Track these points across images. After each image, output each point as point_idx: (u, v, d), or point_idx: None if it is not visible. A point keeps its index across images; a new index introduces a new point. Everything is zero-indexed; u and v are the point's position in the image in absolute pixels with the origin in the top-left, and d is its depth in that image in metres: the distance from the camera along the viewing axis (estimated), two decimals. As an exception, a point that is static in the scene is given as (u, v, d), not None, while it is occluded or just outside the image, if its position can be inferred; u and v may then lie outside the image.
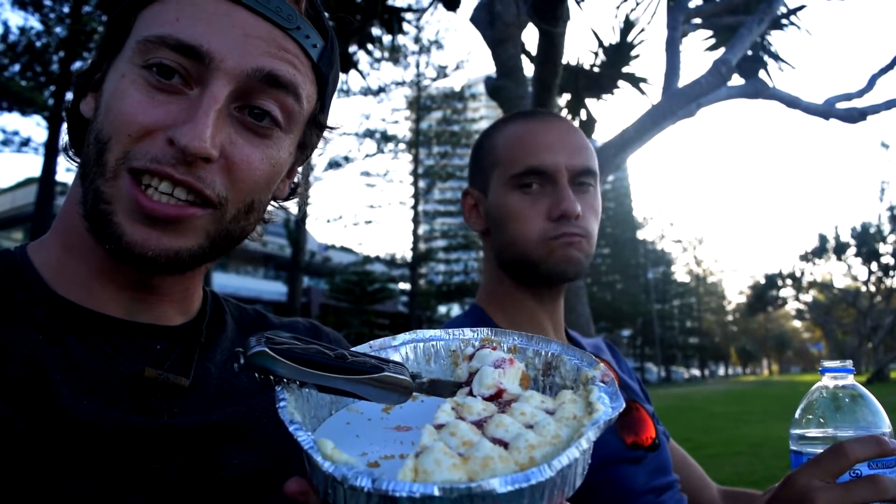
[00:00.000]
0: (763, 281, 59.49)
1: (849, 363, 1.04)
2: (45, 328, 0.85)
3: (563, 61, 5.35)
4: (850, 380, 1.03)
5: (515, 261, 1.47)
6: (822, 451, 0.98)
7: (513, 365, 0.74)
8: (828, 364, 1.04)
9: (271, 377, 0.65)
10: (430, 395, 0.75)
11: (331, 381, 0.67)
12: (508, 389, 0.71)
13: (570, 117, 5.66)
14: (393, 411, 0.77)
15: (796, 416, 1.05)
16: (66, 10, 17.51)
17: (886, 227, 50.06)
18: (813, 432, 1.02)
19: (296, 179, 1.07)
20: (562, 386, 0.77)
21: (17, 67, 17.78)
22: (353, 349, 0.76)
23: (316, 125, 1.01)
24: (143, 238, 0.84)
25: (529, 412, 0.66)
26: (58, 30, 17.64)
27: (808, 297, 61.83)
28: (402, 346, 0.84)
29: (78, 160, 0.93)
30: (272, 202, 1.01)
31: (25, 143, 19.18)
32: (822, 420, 1.02)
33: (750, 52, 5.34)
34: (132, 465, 0.81)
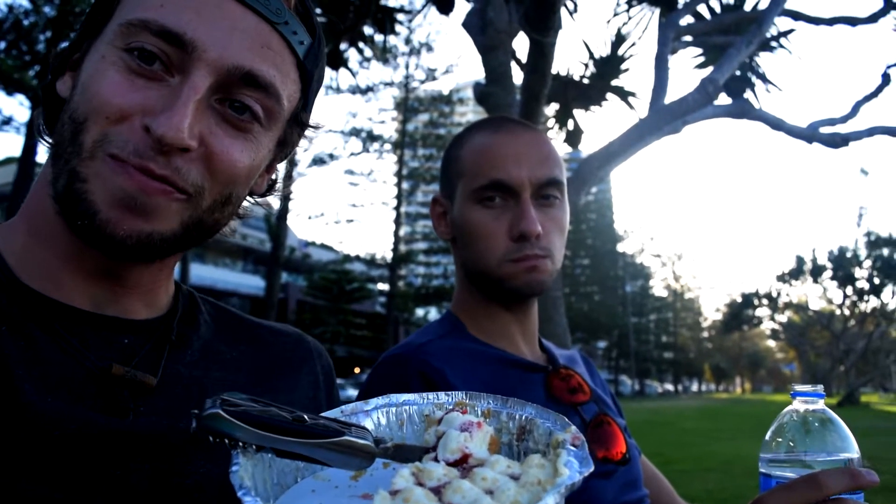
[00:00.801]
0: (740, 299, 59.92)
1: (820, 388, 1.04)
2: (9, 318, 0.81)
3: (554, 71, 5.37)
4: (820, 404, 1.03)
5: (480, 274, 1.45)
6: (790, 474, 0.98)
7: (481, 428, 0.71)
8: (799, 388, 1.04)
9: (226, 440, 0.63)
10: (395, 460, 0.72)
11: (288, 446, 0.64)
12: (475, 454, 0.69)
13: (557, 127, 5.68)
14: (362, 479, 0.74)
15: (766, 438, 1.05)
16: (55, -11, 17.36)
17: (863, 252, 50.61)
18: (782, 456, 1.02)
19: (273, 176, 1.05)
20: (534, 451, 0.75)
21: (2, 45, 17.58)
22: (321, 414, 0.73)
23: (297, 123, 0.99)
24: (117, 218, 0.82)
25: (491, 477, 0.64)
26: (46, 9, 17.47)
27: (783, 317, 62.37)
28: (374, 412, 0.81)
29: (51, 140, 0.90)
30: (249, 197, 1.00)
31: (7, 121, 18.90)
32: (791, 444, 1.02)
33: (738, 73, 5.38)
34: (95, 471, 0.78)
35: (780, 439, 1.04)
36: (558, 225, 1.45)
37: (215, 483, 0.86)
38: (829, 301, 55.58)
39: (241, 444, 0.63)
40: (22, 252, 0.89)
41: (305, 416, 0.66)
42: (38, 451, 0.76)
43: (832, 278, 52.44)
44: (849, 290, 51.68)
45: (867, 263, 50.09)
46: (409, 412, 0.81)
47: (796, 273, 54.47)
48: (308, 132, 1.04)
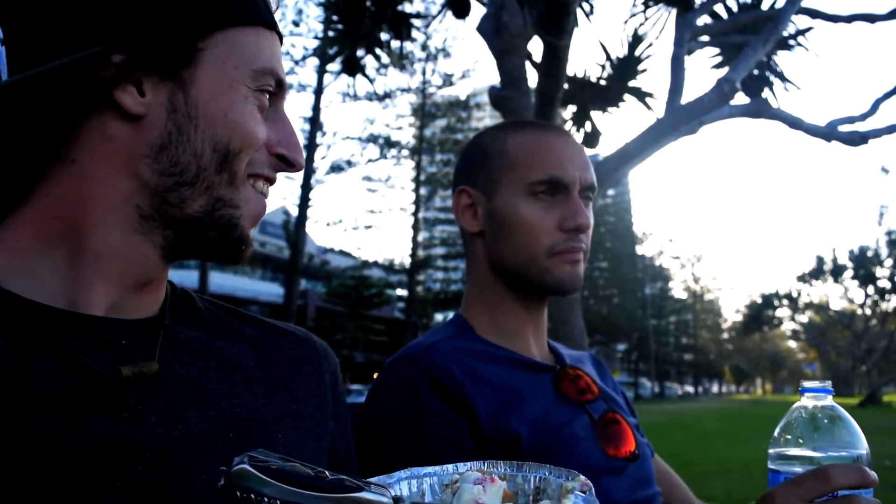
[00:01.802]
0: (760, 300, 59.46)
1: (828, 384, 1.04)
2: (5, 335, 0.82)
3: (570, 73, 5.36)
4: (828, 400, 1.03)
5: (515, 269, 1.45)
6: (799, 469, 0.99)
7: (494, 483, 0.74)
8: (807, 384, 1.05)
9: (253, 496, 0.65)
10: None
11: (312, 501, 0.66)
12: None
13: (574, 129, 5.68)
14: None
15: (775, 434, 1.05)
16: None
17: (884, 251, 50.16)
18: (791, 451, 1.03)
19: None
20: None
21: None
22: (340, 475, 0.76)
23: None
24: (249, 235, 0.98)
25: None
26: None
27: (803, 317, 61.86)
28: (396, 484, 0.84)
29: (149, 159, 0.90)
30: None
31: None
32: (800, 440, 1.03)
33: (756, 72, 5.36)
34: (95, 483, 0.79)
35: (788, 436, 1.04)
36: (591, 226, 1.49)
37: (217, 492, 0.87)
38: (850, 301, 55.19)
39: (266, 499, 0.65)
40: (45, 274, 0.88)
41: (326, 473, 0.68)
42: (35, 470, 0.76)
43: (853, 278, 52.00)
44: (870, 289, 51.23)
45: (888, 262, 49.65)
46: (431, 482, 0.84)
47: (817, 273, 54.05)
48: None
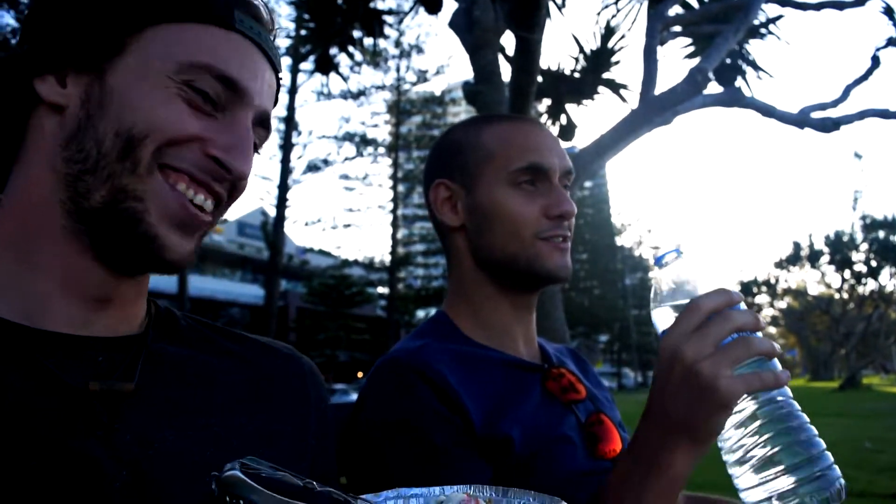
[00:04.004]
0: (738, 288, 59.67)
1: (676, 245, 1.11)
2: None
3: (544, 66, 5.37)
4: (674, 255, 1.11)
5: (503, 260, 1.43)
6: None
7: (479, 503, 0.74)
8: (658, 254, 1.12)
9: (240, 502, 0.65)
10: None
11: None
12: None
13: (550, 122, 5.69)
14: None
15: (651, 303, 1.13)
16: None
17: (859, 236, 50.75)
18: (664, 308, 1.10)
19: None
20: None
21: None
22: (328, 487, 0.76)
23: None
24: (174, 242, 0.88)
25: None
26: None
27: (782, 303, 62.50)
28: (384, 503, 0.84)
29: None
30: None
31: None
32: (670, 294, 1.10)
33: (728, 61, 5.39)
34: (72, 500, 0.78)
35: (658, 298, 1.12)
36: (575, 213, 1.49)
37: (203, 500, 0.86)
38: (828, 286, 55.78)
39: None
40: (3, 283, 0.87)
41: (315, 484, 0.68)
42: (14, 486, 0.75)
43: (829, 263, 52.62)
44: (846, 273, 51.86)
45: (864, 247, 50.26)
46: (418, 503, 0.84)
47: (794, 259, 54.63)
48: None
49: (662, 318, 1.10)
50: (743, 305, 1.05)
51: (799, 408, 1.01)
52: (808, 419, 1.00)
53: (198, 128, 0.89)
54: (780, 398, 1.01)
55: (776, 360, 1.02)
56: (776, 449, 0.97)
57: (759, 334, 1.03)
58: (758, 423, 1.00)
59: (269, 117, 0.99)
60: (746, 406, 1.01)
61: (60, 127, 0.89)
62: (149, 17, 0.90)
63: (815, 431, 0.99)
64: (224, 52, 0.92)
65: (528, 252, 1.41)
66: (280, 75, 1.03)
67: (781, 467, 0.96)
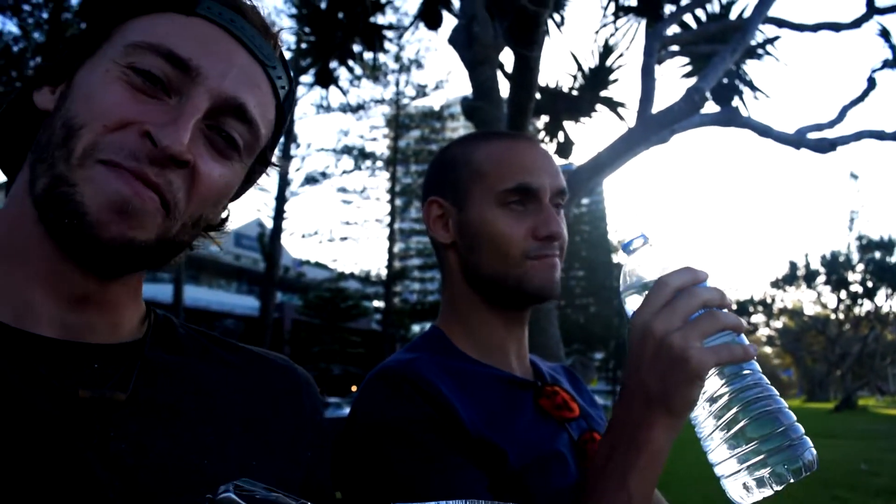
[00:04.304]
0: (734, 307, 59.65)
1: (641, 232, 1.17)
2: None
3: (542, 83, 5.39)
4: (641, 241, 1.16)
5: (491, 278, 1.43)
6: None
7: None
8: (626, 240, 1.17)
9: None
10: None
11: None
12: None
13: (547, 139, 5.71)
14: None
15: (621, 290, 1.18)
16: (44, 15, 17.34)
17: (855, 256, 50.76)
18: (636, 290, 1.14)
19: (226, 214, 1.06)
20: None
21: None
22: None
23: (262, 161, 1.05)
24: (106, 220, 0.82)
25: None
26: (36, 35, 17.47)
27: (778, 323, 62.43)
28: None
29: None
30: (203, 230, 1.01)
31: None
32: (639, 279, 1.14)
33: (726, 81, 5.42)
34: None
35: (626, 284, 1.17)
36: (565, 235, 1.49)
37: None
38: (824, 306, 55.69)
39: None
40: None
41: None
42: (5, 496, 0.74)
43: (826, 283, 52.56)
44: (843, 294, 51.82)
45: (860, 267, 50.23)
46: None
47: (790, 279, 54.61)
48: (269, 170, 1.09)
49: (633, 303, 1.14)
50: (709, 283, 1.09)
51: (768, 382, 1.04)
52: (777, 393, 1.03)
53: (136, 112, 0.85)
54: (747, 372, 1.04)
55: (744, 336, 1.06)
56: (745, 422, 1.00)
57: (726, 311, 1.07)
58: (727, 397, 1.03)
59: (246, 109, 0.92)
60: (716, 381, 1.05)
61: (42, 129, 0.90)
62: (116, 17, 0.91)
63: (785, 404, 1.02)
64: (178, 33, 0.89)
65: (517, 271, 1.41)
66: (272, 68, 0.98)
67: (751, 439, 0.99)
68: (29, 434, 0.79)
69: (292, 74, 1.04)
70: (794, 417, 1.00)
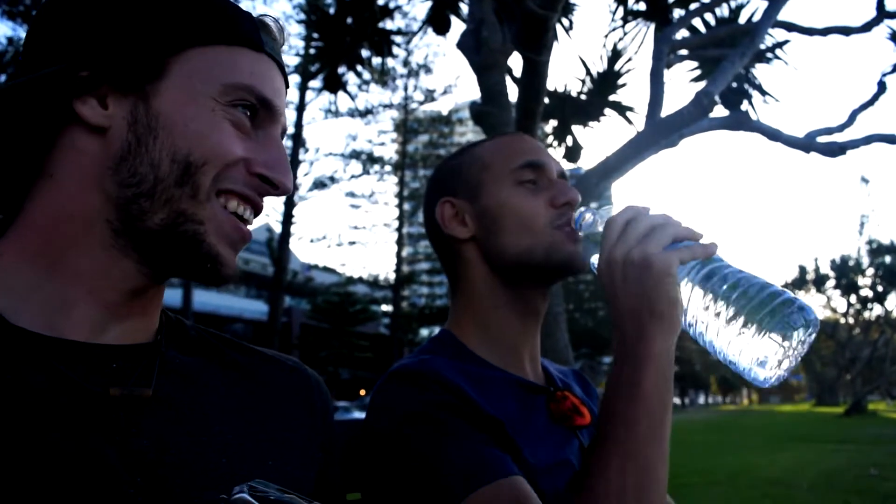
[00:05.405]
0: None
1: (582, 208, 1.34)
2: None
3: (551, 88, 5.39)
4: (590, 214, 1.29)
5: (519, 256, 1.43)
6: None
7: None
8: (574, 219, 1.32)
9: None
10: None
11: None
12: None
13: (556, 143, 5.70)
14: None
15: (591, 266, 1.30)
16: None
17: (865, 261, 50.60)
18: (595, 247, 1.25)
19: None
20: None
21: (2, 77, 17.64)
22: None
23: None
24: (230, 258, 0.95)
25: None
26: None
27: (787, 327, 61.91)
28: None
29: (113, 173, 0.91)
30: None
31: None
32: (594, 237, 1.26)
33: (735, 85, 5.41)
34: None
35: (588, 253, 1.29)
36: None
37: None
38: (834, 310, 55.48)
39: None
40: (25, 291, 0.88)
41: None
42: (31, 486, 0.76)
43: (835, 287, 52.40)
44: (852, 298, 51.65)
45: (870, 271, 50.06)
46: None
47: (799, 283, 54.37)
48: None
49: (597, 258, 1.23)
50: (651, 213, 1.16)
51: (743, 269, 1.08)
52: (753, 271, 1.07)
53: (242, 149, 0.94)
54: (716, 264, 1.10)
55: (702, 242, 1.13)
56: (734, 305, 1.04)
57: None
58: (710, 296, 1.08)
59: (286, 128, 1.05)
60: (691, 285, 1.11)
61: (104, 148, 0.90)
62: (188, 40, 0.93)
63: (765, 279, 1.05)
64: (258, 73, 0.97)
65: (544, 242, 1.41)
66: (288, 85, 1.08)
67: (745, 317, 1.02)
68: (52, 432, 0.80)
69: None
70: (778, 284, 1.04)
